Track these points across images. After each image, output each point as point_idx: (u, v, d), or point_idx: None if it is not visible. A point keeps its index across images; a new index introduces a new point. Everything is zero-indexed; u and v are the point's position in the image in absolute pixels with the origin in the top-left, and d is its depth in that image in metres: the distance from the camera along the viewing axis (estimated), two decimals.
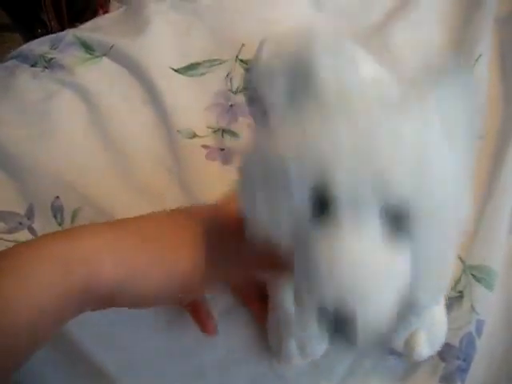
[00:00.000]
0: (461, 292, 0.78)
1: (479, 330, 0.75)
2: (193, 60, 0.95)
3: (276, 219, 0.48)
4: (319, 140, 0.44)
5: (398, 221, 0.45)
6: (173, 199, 0.81)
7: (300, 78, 0.47)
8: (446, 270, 0.59)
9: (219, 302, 0.76)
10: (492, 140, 0.87)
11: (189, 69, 0.93)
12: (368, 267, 0.44)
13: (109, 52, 0.96)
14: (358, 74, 0.47)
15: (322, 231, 0.45)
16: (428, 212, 0.45)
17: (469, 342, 0.75)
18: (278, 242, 0.49)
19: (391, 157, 0.43)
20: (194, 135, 0.87)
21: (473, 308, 0.76)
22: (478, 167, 0.83)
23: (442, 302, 0.73)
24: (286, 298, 0.68)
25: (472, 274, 0.78)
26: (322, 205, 0.45)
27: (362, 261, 0.44)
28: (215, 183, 0.78)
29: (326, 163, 0.44)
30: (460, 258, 0.80)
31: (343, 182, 0.43)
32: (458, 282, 0.79)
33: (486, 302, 0.77)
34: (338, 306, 0.44)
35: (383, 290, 0.45)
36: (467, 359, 0.73)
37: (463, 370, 0.73)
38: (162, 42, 0.96)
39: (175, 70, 0.93)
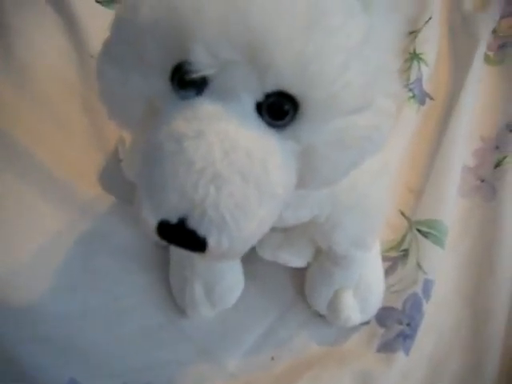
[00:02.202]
0: (405, 250, 0.67)
1: (427, 292, 0.64)
2: None
3: (129, 96, 0.37)
4: (183, 3, 0.33)
5: (279, 113, 0.34)
6: (81, 125, 0.71)
7: None
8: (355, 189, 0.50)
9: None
10: (440, 100, 0.82)
11: (112, 2, 0.84)
12: (228, 160, 0.33)
13: None
14: None
15: (175, 111, 0.34)
16: (317, 106, 0.34)
17: (414, 305, 0.63)
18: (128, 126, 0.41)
19: (271, 25, 0.32)
20: None
21: (419, 266, 0.65)
22: (426, 127, 0.79)
23: (377, 257, 0.62)
24: None
25: (418, 230, 0.68)
26: (182, 80, 0.34)
27: (219, 149, 0.33)
28: None
29: (186, 28, 0.33)
30: (404, 215, 0.70)
31: (206, 58, 0.33)
32: (402, 240, 0.68)
33: (435, 260, 0.66)
34: (182, 217, 0.33)
35: (249, 194, 0.33)
36: (412, 324, 0.62)
37: (407, 337, 0.61)
38: None
39: (98, 2, 0.84)
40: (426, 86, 0.81)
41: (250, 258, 0.61)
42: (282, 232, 0.60)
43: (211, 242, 0.33)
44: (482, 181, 0.74)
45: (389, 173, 0.54)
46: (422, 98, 0.79)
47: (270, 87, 0.33)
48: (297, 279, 0.64)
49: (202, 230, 0.33)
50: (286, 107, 0.34)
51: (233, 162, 0.33)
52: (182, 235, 0.33)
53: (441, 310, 0.64)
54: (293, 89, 0.33)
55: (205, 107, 0.34)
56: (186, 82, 0.34)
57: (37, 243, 0.61)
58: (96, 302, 0.61)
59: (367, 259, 0.60)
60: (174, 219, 0.33)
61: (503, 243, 0.68)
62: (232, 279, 0.60)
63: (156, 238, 0.34)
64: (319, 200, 0.48)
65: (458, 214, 0.71)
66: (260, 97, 0.34)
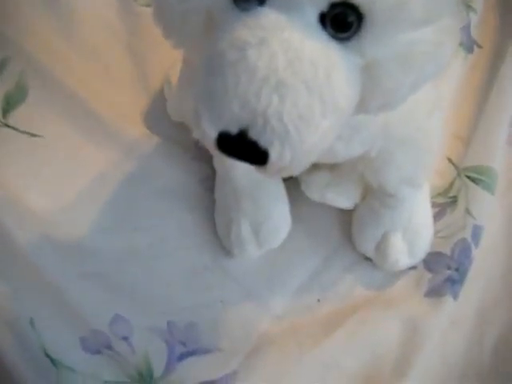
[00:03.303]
0: (454, 197, 0.65)
1: (476, 237, 0.62)
2: None
3: (188, 11, 0.36)
4: None
5: (344, 24, 0.33)
6: (125, 69, 0.71)
7: None
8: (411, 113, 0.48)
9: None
10: (488, 49, 0.78)
11: None
12: (292, 69, 0.31)
13: None
14: None
15: (238, 21, 0.33)
16: (382, 17, 0.33)
17: (463, 250, 0.61)
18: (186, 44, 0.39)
19: None
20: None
21: (468, 212, 0.63)
22: (473, 75, 0.76)
23: (426, 200, 0.60)
24: (235, 167, 0.56)
25: (467, 176, 0.66)
26: None
27: (284, 59, 0.31)
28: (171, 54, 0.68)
29: None
30: (451, 162, 0.68)
31: None
32: (450, 187, 0.66)
33: (485, 206, 0.65)
34: (244, 128, 0.31)
35: (313, 106, 0.32)
36: (460, 269, 0.60)
37: (455, 282, 0.60)
38: None
39: None
40: (474, 34, 0.78)
41: (297, 199, 0.60)
42: (330, 171, 0.59)
43: (273, 153, 0.32)
44: None
45: (443, 108, 0.52)
46: (469, 45, 0.77)
47: None
48: (344, 221, 0.63)
49: (263, 141, 0.31)
50: (351, 18, 0.32)
51: (297, 71, 0.31)
52: (242, 147, 0.32)
53: (489, 257, 0.63)
54: None
55: (268, 16, 0.32)
56: None
57: (83, 183, 0.62)
58: (142, 242, 0.61)
59: (417, 201, 0.59)
60: (234, 130, 0.31)
61: None
62: (279, 219, 0.59)
63: (216, 150, 0.33)
64: (372, 132, 0.47)
65: (507, 162, 0.68)
66: (324, 7, 0.32)
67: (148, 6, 0.74)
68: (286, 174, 0.36)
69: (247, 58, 0.31)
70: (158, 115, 0.66)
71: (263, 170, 0.34)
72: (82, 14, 0.74)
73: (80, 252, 0.60)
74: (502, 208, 0.66)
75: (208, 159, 0.61)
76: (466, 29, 0.77)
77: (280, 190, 0.59)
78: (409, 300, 0.60)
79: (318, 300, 0.60)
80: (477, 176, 0.65)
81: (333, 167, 0.58)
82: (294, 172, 0.35)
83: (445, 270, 0.60)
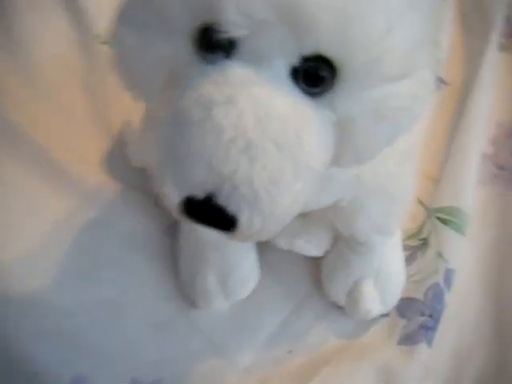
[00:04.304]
0: (425, 239, 0.64)
1: (448, 281, 0.61)
2: None
3: (150, 64, 0.34)
4: None
5: (317, 79, 0.31)
6: (84, 111, 0.69)
7: None
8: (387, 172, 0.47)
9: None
10: (455, 86, 0.78)
11: None
12: (262, 128, 0.29)
13: None
14: None
15: (202, 77, 0.31)
16: (357, 73, 0.31)
17: (436, 295, 0.60)
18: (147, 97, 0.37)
19: None
20: None
21: (440, 254, 0.62)
22: (441, 113, 0.75)
23: (397, 245, 0.59)
24: None
25: (438, 218, 0.64)
26: (210, 45, 0.31)
27: (252, 117, 0.29)
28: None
29: None
30: (422, 203, 0.67)
31: (236, 19, 0.30)
32: (420, 229, 0.65)
33: (456, 249, 0.63)
34: (210, 193, 0.29)
35: (285, 167, 0.30)
36: (434, 315, 0.59)
37: (429, 329, 0.58)
38: None
39: None
40: (440, 72, 0.78)
41: (265, 248, 0.58)
42: (299, 219, 0.57)
43: (242, 220, 0.30)
44: (502, 168, 0.71)
45: (414, 157, 0.51)
46: (436, 83, 0.76)
47: (307, 50, 0.30)
48: (314, 269, 0.61)
49: (232, 207, 0.29)
50: (324, 73, 0.31)
51: (266, 131, 0.29)
52: (209, 213, 0.30)
53: (463, 301, 0.61)
54: (331, 51, 0.30)
55: (235, 71, 0.30)
56: (214, 44, 0.31)
57: (39, 232, 0.59)
58: (102, 294, 0.58)
59: (388, 247, 0.57)
60: (200, 195, 0.29)
61: None
62: (247, 269, 0.57)
63: (181, 216, 0.31)
64: (344, 183, 0.45)
65: (478, 202, 0.68)
66: (295, 61, 0.30)
67: (106, 43, 0.73)
68: (257, 240, 0.34)
69: (213, 117, 0.29)
70: (118, 160, 0.63)
71: (232, 235, 0.32)
72: (41, 52, 0.72)
73: (39, 306, 0.56)
74: (474, 249, 0.65)
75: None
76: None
77: None
78: (382, 348, 0.57)
79: (290, 351, 0.57)
80: (447, 217, 0.64)
81: (302, 215, 0.57)
82: (265, 237, 0.33)
83: (418, 317, 0.58)
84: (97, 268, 0.59)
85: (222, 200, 0.29)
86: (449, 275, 0.61)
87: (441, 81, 0.77)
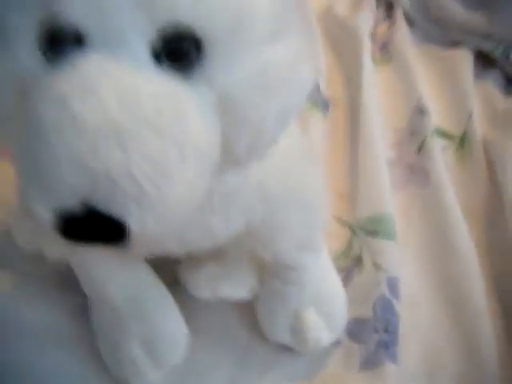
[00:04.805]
0: (357, 256, 0.60)
1: (394, 290, 0.57)
2: None
3: None
4: None
5: (181, 52, 0.27)
6: None
7: None
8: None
9: None
10: (343, 103, 0.78)
11: None
12: (132, 113, 0.25)
13: None
14: None
15: (53, 79, 0.27)
16: (223, 37, 0.28)
17: (385, 307, 0.55)
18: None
19: None
20: None
21: (377, 266, 0.58)
22: (336, 131, 0.75)
23: (329, 264, 0.54)
24: (107, 282, 0.47)
25: (364, 230, 0.60)
26: (56, 44, 0.27)
27: (117, 102, 0.25)
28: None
29: None
30: (342, 221, 0.64)
31: (80, 6, 0.26)
32: (349, 246, 0.61)
33: (392, 255, 0.60)
34: (88, 199, 0.24)
35: (167, 152, 0.26)
36: (390, 329, 0.54)
37: (389, 344, 0.52)
38: None
39: None
40: (325, 93, 0.77)
41: (190, 303, 0.52)
42: (216, 262, 0.51)
43: (132, 222, 0.25)
44: (411, 169, 0.69)
45: (316, 160, 0.47)
46: (324, 104, 0.75)
47: (162, 21, 0.26)
48: (247, 315, 0.54)
49: (116, 210, 0.24)
50: (186, 46, 0.27)
51: (135, 114, 0.25)
52: (91, 225, 0.25)
53: (416, 306, 0.57)
54: (189, 17, 0.26)
55: (88, 61, 0.26)
56: (60, 40, 0.27)
57: None
58: None
59: (320, 269, 0.52)
60: (74, 203, 0.24)
61: (452, 221, 0.63)
62: (173, 329, 0.49)
63: (59, 236, 0.25)
64: (249, 197, 0.40)
65: (397, 207, 0.65)
66: (153, 37, 0.26)
67: None
68: (158, 248, 0.28)
69: (71, 111, 0.25)
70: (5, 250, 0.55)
71: (126, 247, 0.26)
72: None
73: None
74: (408, 254, 0.61)
75: (76, 285, 0.51)
76: (316, 89, 0.75)
77: (166, 298, 0.50)
78: (343, 381, 0.51)
79: None
80: (372, 227, 0.61)
81: (218, 256, 0.51)
82: (164, 242, 0.28)
83: (373, 335, 0.53)
84: (11, 374, 0.50)
85: (102, 203, 0.24)
86: (392, 283, 0.56)
87: (328, 101, 0.76)
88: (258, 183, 0.40)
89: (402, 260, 0.60)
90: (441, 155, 0.69)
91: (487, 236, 0.63)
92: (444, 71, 0.82)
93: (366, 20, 0.86)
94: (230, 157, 0.31)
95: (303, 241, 0.47)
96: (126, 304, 0.48)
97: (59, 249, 0.43)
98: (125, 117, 0.25)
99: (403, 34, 0.87)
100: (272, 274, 0.51)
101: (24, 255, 0.54)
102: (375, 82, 0.78)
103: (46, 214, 0.25)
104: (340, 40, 0.85)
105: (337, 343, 0.53)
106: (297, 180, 0.44)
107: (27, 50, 0.27)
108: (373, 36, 0.86)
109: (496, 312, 0.57)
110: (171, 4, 0.26)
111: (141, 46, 0.27)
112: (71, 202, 0.24)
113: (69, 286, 0.53)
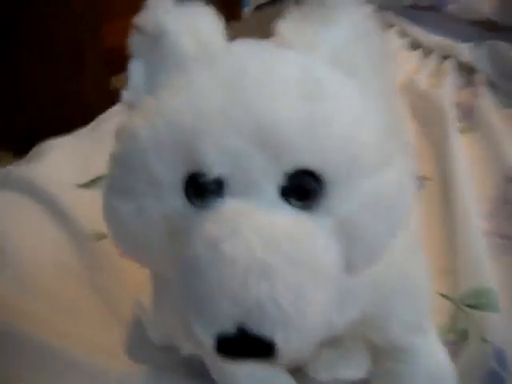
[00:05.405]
0: (463, 331, 0.61)
1: (502, 361, 0.58)
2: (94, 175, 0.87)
3: (147, 225, 0.35)
4: (180, 111, 0.34)
5: (304, 191, 0.33)
6: (89, 306, 0.67)
7: (154, 50, 0.38)
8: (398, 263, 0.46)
9: None
10: (435, 180, 0.82)
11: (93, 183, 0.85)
12: (271, 248, 0.31)
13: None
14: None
15: (202, 222, 0.33)
16: (339, 173, 0.33)
17: (494, 381, 0.56)
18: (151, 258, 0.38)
19: (273, 109, 0.32)
20: (104, 236, 0.74)
21: (483, 339, 0.59)
22: (432, 207, 0.79)
23: (437, 342, 0.57)
24: (237, 376, 0.51)
25: (467, 305, 0.63)
26: (200, 190, 0.33)
27: (259, 240, 0.31)
28: (135, 279, 0.66)
29: (191, 137, 0.32)
30: (446, 297, 0.66)
31: (218, 157, 0.32)
32: (454, 321, 0.63)
33: (496, 327, 0.61)
34: (242, 325, 0.30)
35: (303, 281, 0.31)
36: None
37: None
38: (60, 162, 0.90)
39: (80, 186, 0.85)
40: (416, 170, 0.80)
41: None
42: (333, 347, 0.55)
43: (279, 339, 0.30)
44: (508, 239, 0.72)
45: (420, 248, 0.51)
46: (418, 183, 0.78)
47: (288, 167, 0.32)
48: None
49: (266, 332, 0.30)
50: (310, 184, 0.33)
51: (276, 250, 0.31)
52: (245, 344, 0.30)
53: None
54: (310, 163, 0.32)
55: (229, 206, 0.32)
56: (203, 189, 0.33)
57: None
58: None
59: (428, 345, 0.55)
60: (232, 329, 0.30)
61: None
62: None
63: (218, 356, 0.31)
64: (362, 291, 0.45)
65: (498, 278, 0.67)
66: (281, 180, 0.32)
67: (100, 239, 0.74)
68: (297, 359, 0.33)
69: (223, 252, 0.30)
70: (137, 344, 0.62)
71: (272, 360, 0.31)
72: (34, 261, 0.72)
73: None
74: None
75: (208, 376, 0.56)
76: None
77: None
78: None
79: None
80: (476, 301, 0.63)
81: (334, 341, 0.55)
82: (304, 356, 0.33)
83: None
84: None
85: (254, 327, 0.29)
86: (500, 355, 0.58)
87: (422, 178, 0.80)
88: (370, 278, 0.44)
89: (509, 331, 0.61)
90: None
91: None
92: None
93: (449, 89, 0.89)
94: (352, 269, 0.35)
95: (412, 324, 0.50)
96: None
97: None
98: (267, 254, 0.30)
99: (486, 99, 0.90)
100: (384, 354, 0.54)
101: (155, 349, 0.61)
102: (463, 152, 0.82)
103: (208, 339, 0.30)
104: (424, 112, 0.88)
105: None
106: (402, 268, 0.48)
107: (175, 197, 0.34)
108: (456, 104, 0.90)
109: None
110: (297, 153, 0.32)
111: (271, 189, 0.32)
112: (228, 327, 0.30)
113: (196, 375, 0.58)
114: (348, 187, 0.33)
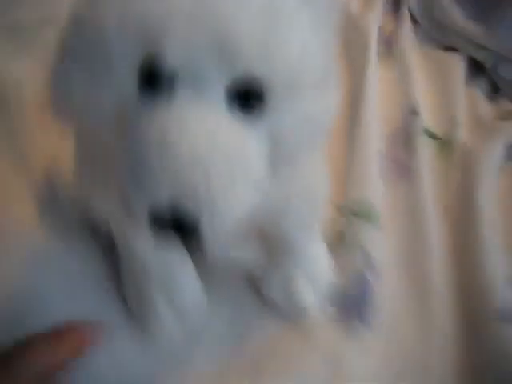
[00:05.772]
0: (341, 232, 0.69)
1: (373, 270, 0.67)
2: None
3: (96, 102, 0.38)
4: (150, 2, 0.36)
5: (248, 97, 0.37)
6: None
7: None
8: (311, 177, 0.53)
9: None
10: (347, 97, 0.85)
11: None
12: (213, 149, 0.35)
13: None
14: None
15: (153, 110, 0.36)
16: (282, 88, 0.37)
17: (361, 281, 0.66)
18: (96, 131, 0.41)
19: (235, 19, 0.35)
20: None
21: (360, 246, 0.69)
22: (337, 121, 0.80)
23: (320, 239, 0.64)
24: (139, 242, 0.56)
25: (352, 214, 0.70)
26: (153, 78, 0.36)
27: (204, 141, 0.35)
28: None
29: (155, 28, 0.35)
30: (333, 203, 0.73)
31: (178, 51, 0.35)
32: (335, 224, 0.70)
33: (374, 239, 0.70)
34: (175, 203, 0.35)
35: (234, 178, 0.36)
36: (365, 298, 0.65)
37: (361, 310, 0.64)
38: None
39: None
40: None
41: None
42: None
43: (204, 221, 0.35)
44: (397, 163, 0.79)
45: (323, 159, 0.57)
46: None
47: (238, 72, 0.36)
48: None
49: (194, 211, 0.35)
50: (255, 91, 0.36)
51: (216, 146, 0.35)
52: (173, 220, 0.35)
53: (387, 286, 0.67)
54: (259, 69, 0.36)
55: (179, 100, 0.36)
56: (156, 79, 0.36)
57: None
58: None
59: (313, 244, 0.62)
60: (165, 203, 0.34)
61: (427, 219, 0.73)
62: (194, 287, 0.59)
63: (148, 227, 0.36)
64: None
65: (382, 197, 0.75)
66: (230, 84, 0.36)
67: None
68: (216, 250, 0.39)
69: (169, 141, 0.35)
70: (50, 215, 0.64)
71: (197, 242, 0.36)
72: None
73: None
74: (387, 236, 0.71)
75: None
76: None
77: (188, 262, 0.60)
78: (325, 333, 0.62)
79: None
80: (360, 210, 0.71)
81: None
82: (221, 243, 0.38)
83: (352, 305, 0.64)
84: None
85: (185, 206, 0.34)
86: (370, 262, 0.67)
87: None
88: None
89: (381, 243, 0.70)
90: (426, 155, 0.79)
91: (455, 234, 0.72)
92: (438, 73, 0.90)
93: (376, 17, 0.93)
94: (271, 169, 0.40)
95: (304, 223, 0.57)
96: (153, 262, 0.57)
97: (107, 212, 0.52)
98: (207, 147, 0.35)
99: (407, 32, 0.95)
100: (273, 246, 0.61)
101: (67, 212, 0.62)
102: (377, 78, 0.86)
103: (141, 209, 0.35)
104: (350, 36, 0.92)
105: (322, 307, 0.63)
106: (309, 175, 0.53)
107: (129, 81, 0.37)
108: (379, 30, 0.94)
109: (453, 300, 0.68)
110: (248, 60, 0.35)
111: (219, 90, 0.36)
112: (162, 200, 0.34)
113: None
114: (287, 102, 0.38)
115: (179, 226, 0.35)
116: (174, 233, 0.36)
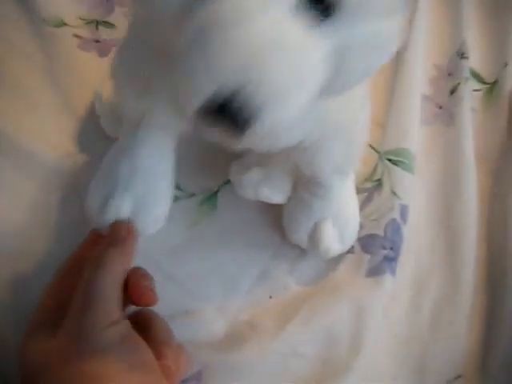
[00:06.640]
0: (379, 180, 0.70)
1: (404, 216, 0.67)
2: None
3: None
4: None
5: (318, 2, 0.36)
6: (45, 95, 0.70)
7: None
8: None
9: None
10: None
11: None
12: (277, 45, 0.35)
13: None
14: None
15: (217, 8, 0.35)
16: (355, 2, 0.37)
17: (394, 230, 0.66)
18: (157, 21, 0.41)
19: None
20: (63, 23, 0.76)
21: (394, 193, 0.68)
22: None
23: (352, 187, 0.65)
24: (145, 143, 0.54)
25: (388, 159, 0.70)
26: None
27: (270, 36, 0.34)
28: (90, 75, 0.70)
29: None
30: (373, 148, 0.73)
31: None
32: (374, 171, 0.71)
33: (408, 186, 0.70)
34: (239, 88, 0.34)
35: (295, 80, 0.36)
36: (394, 247, 0.65)
37: (391, 259, 0.64)
38: None
39: None
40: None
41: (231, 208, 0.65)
42: (262, 168, 0.61)
43: (255, 120, 0.35)
44: (440, 108, 0.78)
45: (368, 105, 0.56)
46: None
47: None
48: (277, 217, 0.66)
49: (254, 103, 0.35)
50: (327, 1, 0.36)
51: (280, 50, 0.35)
52: (227, 109, 0.35)
53: (417, 233, 0.68)
54: None
55: None
56: None
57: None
58: None
59: (344, 189, 0.63)
60: (226, 90, 0.34)
61: (465, 164, 0.72)
62: (161, 204, 0.57)
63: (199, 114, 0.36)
64: (312, 120, 0.50)
65: (421, 141, 0.74)
66: None
67: (58, 26, 0.75)
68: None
69: (230, 33, 0.34)
70: (90, 133, 0.67)
71: (239, 137, 0.37)
72: None
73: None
74: (422, 185, 0.71)
75: None
76: None
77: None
78: (353, 282, 0.64)
79: (270, 297, 0.63)
80: (396, 158, 0.70)
81: (264, 163, 0.61)
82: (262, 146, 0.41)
83: (381, 250, 0.65)
84: None
85: (245, 97, 0.34)
86: (403, 210, 0.67)
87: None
88: (323, 110, 0.50)
89: (416, 191, 0.70)
90: (470, 99, 0.77)
91: (491, 184, 0.72)
92: (491, 15, 0.86)
93: None
94: (324, 93, 0.40)
95: (340, 167, 0.57)
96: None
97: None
98: (271, 49, 0.34)
99: None
100: (303, 186, 0.61)
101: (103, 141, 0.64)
102: (425, 15, 0.84)
103: (204, 88, 0.35)
104: None
105: (351, 251, 0.65)
106: (352, 115, 0.53)
107: None
108: None
109: (482, 252, 0.68)
110: None
111: None
112: (224, 86, 0.34)
113: None
114: (358, 18, 0.37)
115: (232, 113, 0.35)
116: (220, 123, 0.36)
